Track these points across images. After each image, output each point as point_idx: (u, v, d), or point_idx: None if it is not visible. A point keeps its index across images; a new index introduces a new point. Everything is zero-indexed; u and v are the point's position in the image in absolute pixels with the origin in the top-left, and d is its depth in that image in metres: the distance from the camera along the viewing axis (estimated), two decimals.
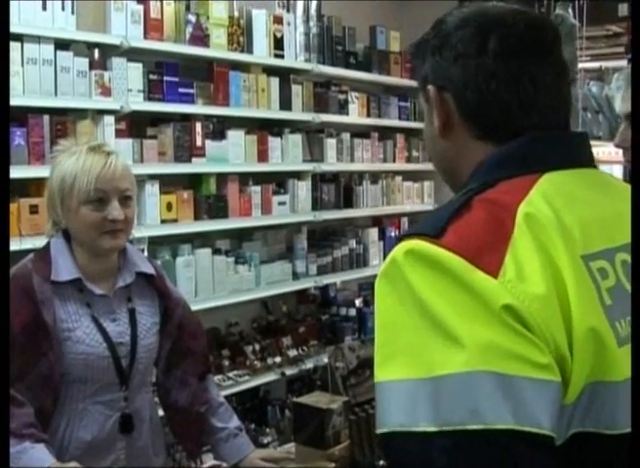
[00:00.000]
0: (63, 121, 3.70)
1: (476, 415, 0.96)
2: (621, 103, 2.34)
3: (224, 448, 2.54)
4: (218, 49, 4.46)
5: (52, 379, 2.22)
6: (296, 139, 5.03)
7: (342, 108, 5.50)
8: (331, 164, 5.35)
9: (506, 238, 1.04)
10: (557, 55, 1.23)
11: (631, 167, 1.37)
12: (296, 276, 5.08)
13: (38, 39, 3.59)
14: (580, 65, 5.26)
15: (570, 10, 4.68)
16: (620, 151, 2.33)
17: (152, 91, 4.12)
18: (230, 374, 4.57)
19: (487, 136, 1.20)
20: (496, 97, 1.17)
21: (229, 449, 2.54)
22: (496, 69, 1.17)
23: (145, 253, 3.85)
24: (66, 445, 2.27)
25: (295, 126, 5.11)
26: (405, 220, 6.16)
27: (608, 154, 5.77)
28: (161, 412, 2.61)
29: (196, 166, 4.37)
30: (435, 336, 1.00)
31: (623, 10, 5.88)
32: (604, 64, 5.58)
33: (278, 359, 4.88)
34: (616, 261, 1.12)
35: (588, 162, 1.23)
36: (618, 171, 5.44)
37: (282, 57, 4.93)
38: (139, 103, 4.02)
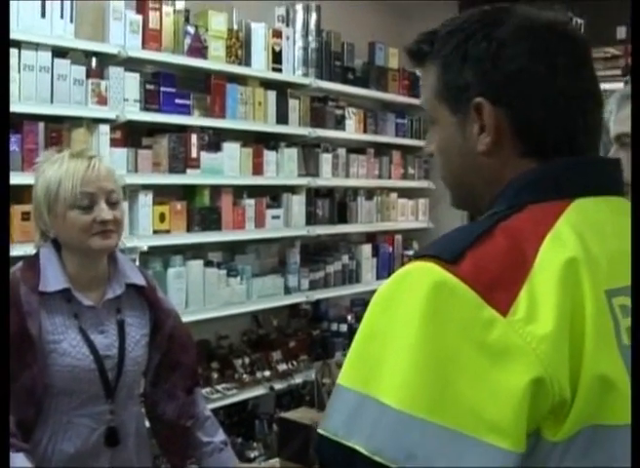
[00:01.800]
0: (59, 129, 3.68)
1: (411, 459, 0.93)
2: (613, 126, 2.34)
3: (209, 461, 2.52)
4: (216, 61, 4.45)
5: (35, 391, 2.20)
6: (291, 154, 5.02)
7: (339, 124, 5.49)
8: (326, 179, 5.34)
9: (525, 271, 0.99)
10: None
11: (631, 170, 1.36)
12: (287, 290, 5.06)
13: (36, 46, 3.58)
14: None
15: None
16: None
17: (149, 101, 4.11)
18: (219, 387, 4.54)
19: (536, 154, 1.13)
20: (564, 116, 1.12)
21: (214, 464, 2.52)
22: (566, 86, 1.11)
23: (137, 263, 3.84)
24: (49, 457, 2.25)
25: (291, 140, 5.10)
26: (399, 237, 6.15)
27: None
28: (147, 424, 2.59)
29: (190, 177, 4.35)
30: (403, 363, 0.96)
31: (622, 33, 5.90)
32: (602, 86, 5.59)
33: (267, 373, 4.85)
34: None
35: (617, 190, 1.17)
36: None
37: (280, 70, 4.92)
38: (134, 113, 4.01)
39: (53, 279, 2.28)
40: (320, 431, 1.01)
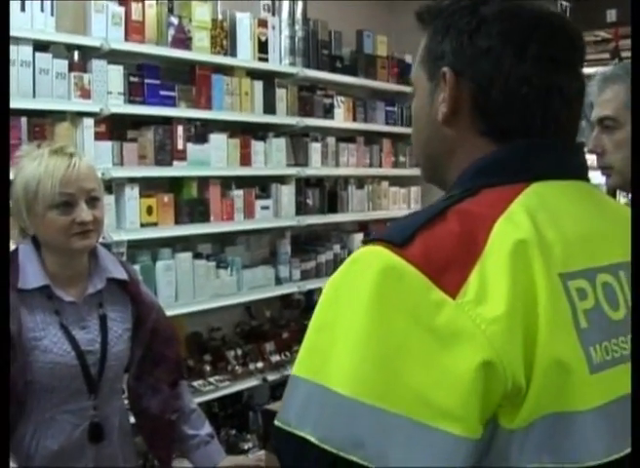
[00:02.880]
0: (42, 123, 3.66)
1: (359, 447, 0.92)
2: (594, 109, 2.32)
3: (195, 455, 2.51)
4: (200, 52, 4.43)
5: (15, 389, 2.18)
6: (279, 144, 5.00)
7: (328, 112, 5.47)
8: (315, 168, 5.32)
9: (476, 254, 0.98)
10: (581, 67, 1.18)
11: (632, 170, 1.34)
12: (279, 281, 5.05)
13: (17, 41, 3.55)
14: None
15: None
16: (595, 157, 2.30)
17: (133, 93, 4.09)
18: (211, 379, 4.54)
19: (493, 135, 1.13)
20: (523, 102, 1.11)
21: (200, 457, 2.50)
22: (530, 76, 1.10)
23: (124, 257, 3.82)
24: (32, 454, 2.24)
25: (279, 130, 5.08)
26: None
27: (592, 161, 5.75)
28: (132, 419, 2.57)
29: (177, 169, 4.33)
30: (350, 350, 0.95)
31: (612, 16, 5.86)
32: (591, 70, 5.57)
33: (260, 364, 4.85)
34: (597, 283, 1.06)
35: (580, 174, 1.17)
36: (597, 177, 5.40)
37: (266, 60, 4.90)
38: (119, 106, 3.99)
39: (32, 276, 2.27)
40: (275, 422, 1.01)
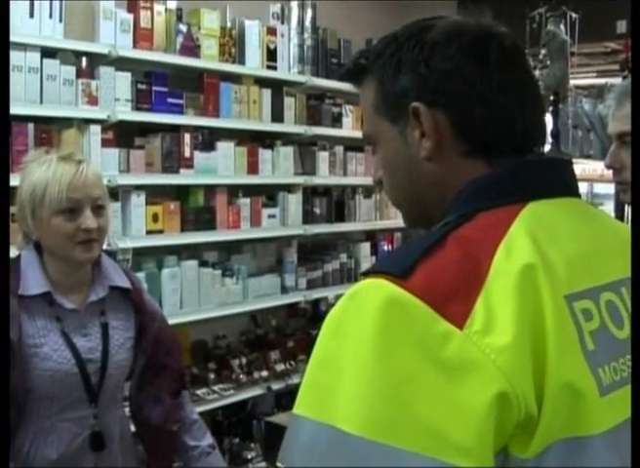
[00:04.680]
0: (48, 130, 3.66)
1: None
2: (611, 123, 2.29)
3: (196, 466, 2.50)
4: (208, 59, 4.42)
5: (14, 396, 2.17)
6: (287, 152, 4.99)
7: (336, 121, 5.45)
8: (323, 177, 5.31)
9: (480, 282, 0.95)
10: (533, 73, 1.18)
11: (632, 170, 1.32)
12: (285, 290, 5.03)
13: (24, 47, 3.55)
14: (574, 82, 5.23)
15: (562, 26, 4.65)
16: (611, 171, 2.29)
17: (140, 100, 4.08)
18: (215, 388, 4.52)
19: (479, 152, 1.10)
20: (502, 110, 1.10)
21: None
22: (501, 81, 1.10)
23: (130, 265, 3.81)
24: (31, 462, 2.23)
25: (287, 138, 5.07)
26: (399, 235, 6.10)
27: (595, 172, 5.72)
28: (133, 428, 2.56)
29: (184, 177, 4.32)
30: (356, 385, 0.92)
31: (622, 27, 5.84)
32: (598, 81, 5.56)
33: (265, 373, 4.83)
34: (600, 302, 1.04)
35: (572, 190, 1.15)
36: (603, 188, 5.38)
37: (275, 68, 4.89)
38: (126, 113, 3.98)
39: (33, 282, 2.26)
40: (277, 465, 0.97)
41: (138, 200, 4.03)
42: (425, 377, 0.90)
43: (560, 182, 1.14)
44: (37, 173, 2.25)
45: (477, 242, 1.00)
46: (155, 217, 4.13)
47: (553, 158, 1.17)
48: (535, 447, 0.92)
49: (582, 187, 5.31)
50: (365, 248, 5.73)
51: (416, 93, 1.11)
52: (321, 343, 0.99)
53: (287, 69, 5.00)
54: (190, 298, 4.34)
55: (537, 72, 4.47)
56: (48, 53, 3.68)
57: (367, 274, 1.01)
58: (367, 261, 5.68)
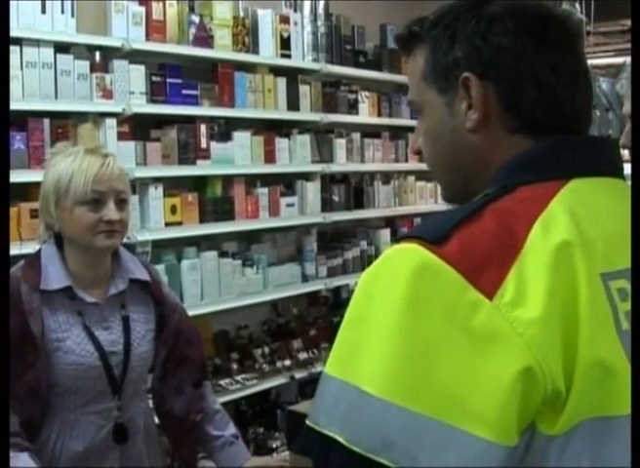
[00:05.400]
0: (64, 124, 3.66)
1: (389, 448, 0.90)
2: (626, 102, 2.27)
3: (220, 456, 2.50)
4: (222, 50, 4.42)
5: (39, 390, 2.19)
6: (304, 140, 4.98)
7: (352, 108, 5.44)
8: (341, 164, 5.30)
9: (515, 253, 0.95)
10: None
11: (631, 165, 1.31)
12: (305, 278, 5.03)
13: (37, 43, 3.56)
14: (592, 62, 5.17)
15: (577, 5, 4.59)
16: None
17: (155, 93, 4.08)
18: (238, 378, 4.53)
19: (525, 130, 1.10)
20: (554, 91, 1.09)
21: (225, 458, 2.50)
22: (556, 62, 1.09)
23: (149, 257, 3.83)
24: (57, 456, 2.24)
25: (303, 126, 5.06)
26: (418, 221, 6.09)
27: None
28: (156, 420, 2.57)
29: (201, 168, 4.32)
30: (382, 348, 0.92)
31: None
32: (616, 60, 5.50)
33: (288, 362, 4.84)
34: None
35: (616, 171, 1.14)
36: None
37: (289, 57, 4.88)
38: (141, 106, 3.98)
39: (54, 277, 2.27)
40: (306, 421, 0.99)
41: (155, 192, 4.03)
42: (451, 345, 0.91)
43: (604, 162, 1.13)
44: (63, 164, 2.27)
45: (515, 214, 1.00)
46: (173, 209, 4.13)
47: (599, 137, 1.16)
48: (562, 424, 0.92)
49: None
50: (385, 234, 5.72)
51: (468, 63, 1.11)
52: (353, 304, 1.00)
53: (301, 57, 4.99)
54: (211, 289, 4.35)
55: None
56: (61, 48, 3.68)
57: (400, 239, 1.01)
58: (387, 248, 5.65)
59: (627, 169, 1.19)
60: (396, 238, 1.04)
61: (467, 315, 0.92)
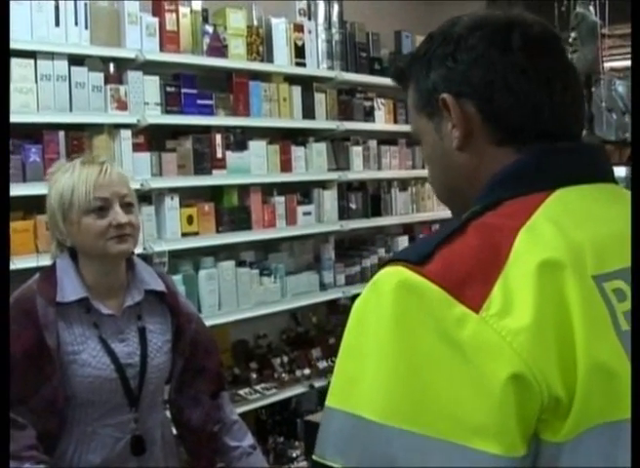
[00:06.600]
0: (79, 136, 3.67)
1: None
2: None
3: (238, 466, 2.49)
4: (236, 59, 4.41)
5: (55, 403, 2.18)
6: (320, 148, 4.97)
7: (368, 115, 5.43)
8: (357, 172, 5.28)
9: (499, 266, 0.95)
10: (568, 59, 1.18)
11: (632, 166, 1.29)
12: (323, 287, 5.01)
13: (52, 55, 3.56)
14: (609, 65, 5.13)
15: (591, 8, 4.55)
16: None
17: (170, 103, 4.08)
18: (258, 387, 4.52)
19: (509, 141, 1.10)
20: (528, 95, 1.09)
21: None
22: (526, 66, 1.10)
23: (166, 268, 3.82)
24: None
25: (319, 134, 5.05)
26: (436, 227, 6.05)
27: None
28: (174, 430, 2.56)
29: (217, 178, 4.32)
30: (377, 373, 0.93)
31: None
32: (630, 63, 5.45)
33: (307, 371, 4.82)
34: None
35: (606, 176, 1.14)
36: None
37: (304, 65, 4.87)
38: (156, 117, 3.98)
39: (70, 289, 2.26)
40: (313, 457, 1.00)
41: (171, 203, 4.03)
42: (442, 361, 0.91)
43: (590, 168, 1.12)
44: (62, 179, 2.28)
45: (498, 228, 1.00)
46: (190, 219, 4.13)
47: (583, 143, 1.15)
48: (569, 430, 0.91)
49: (621, 171, 5.22)
50: (403, 241, 5.69)
51: (444, 85, 1.14)
52: (346, 334, 1.01)
53: (316, 65, 4.97)
54: (229, 299, 4.34)
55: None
56: (75, 60, 3.69)
57: (387, 263, 1.01)
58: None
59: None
60: (382, 262, 1.05)
61: (455, 330, 0.92)
